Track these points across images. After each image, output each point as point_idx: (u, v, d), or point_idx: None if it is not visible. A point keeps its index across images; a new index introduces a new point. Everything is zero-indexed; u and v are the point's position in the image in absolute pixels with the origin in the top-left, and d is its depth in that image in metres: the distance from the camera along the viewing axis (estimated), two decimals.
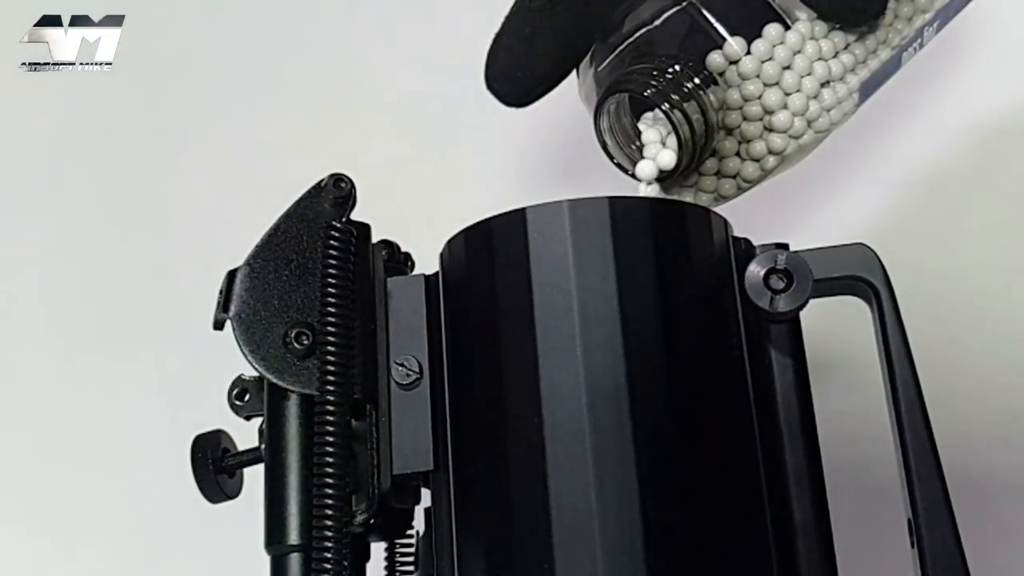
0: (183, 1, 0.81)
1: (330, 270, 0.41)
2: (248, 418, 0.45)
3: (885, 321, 0.43)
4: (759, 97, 0.49)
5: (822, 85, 0.50)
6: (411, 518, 0.45)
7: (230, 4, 0.80)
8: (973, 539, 0.41)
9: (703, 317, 0.41)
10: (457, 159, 0.72)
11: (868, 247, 0.43)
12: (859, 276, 0.43)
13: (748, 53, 0.49)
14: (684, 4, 0.50)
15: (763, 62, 0.49)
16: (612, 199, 0.41)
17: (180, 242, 0.74)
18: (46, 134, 0.78)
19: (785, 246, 0.43)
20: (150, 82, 0.78)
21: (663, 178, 0.49)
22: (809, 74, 0.50)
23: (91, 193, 0.77)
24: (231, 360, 0.42)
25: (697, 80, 0.48)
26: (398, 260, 0.46)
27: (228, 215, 0.73)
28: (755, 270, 0.42)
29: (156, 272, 0.74)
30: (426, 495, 0.44)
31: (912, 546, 0.41)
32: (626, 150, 0.51)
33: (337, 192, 0.43)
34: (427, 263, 0.45)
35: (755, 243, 0.44)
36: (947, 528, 0.40)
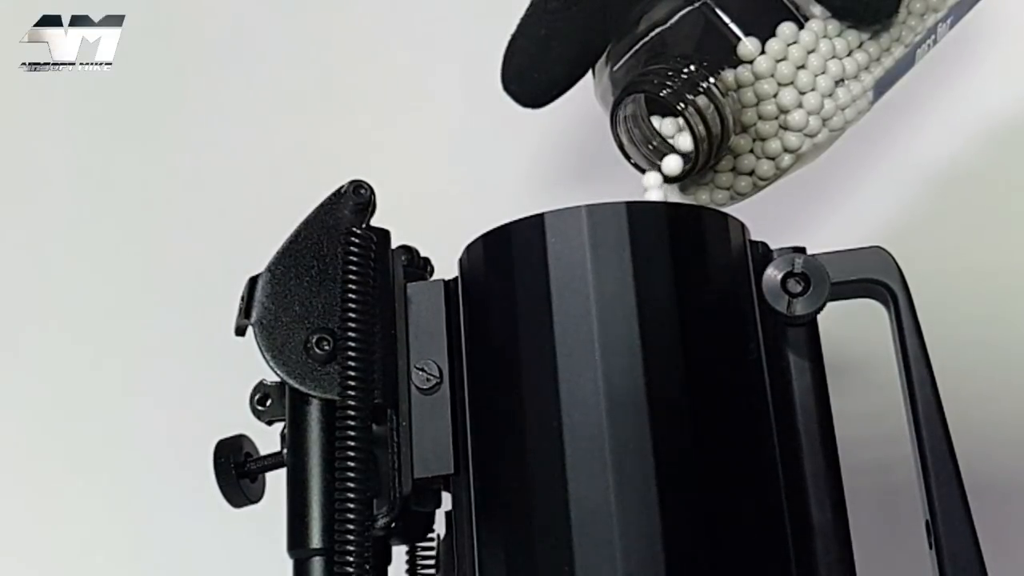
0: (183, 1, 0.81)
1: (350, 276, 0.42)
2: (270, 423, 0.45)
3: (902, 323, 0.43)
4: (774, 96, 0.49)
5: (837, 83, 0.50)
6: (432, 522, 0.45)
7: (233, 2, 0.80)
8: (991, 540, 0.41)
9: (721, 321, 0.41)
10: (475, 162, 0.72)
11: (884, 250, 0.43)
12: (876, 279, 0.43)
13: (762, 52, 0.49)
14: (698, 4, 0.50)
15: (778, 61, 0.49)
16: (630, 204, 0.41)
17: (181, 243, 0.74)
18: (46, 134, 0.78)
19: (802, 250, 0.43)
20: (150, 82, 0.78)
21: (680, 176, 0.49)
22: (823, 73, 0.50)
23: (91, 193, 0.77)
24: (253, 366, 0.43)
25: (712, 80, 0.48)
26: (417, 265, 0.46)
27: (232, 217, 0.73)
28: (772, 274, 0.42)
29: (160, 275, 0.74)
30: (446, 499, 0.44)
31: (930, 547, 0.41)
32: (643, 150, 0.51)
33: (357, 198, 0.43)
34: (446, 269, 0.45)
35: (772, 246, 0.44)
36: (965, 529, 0.41)
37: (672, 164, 0.49)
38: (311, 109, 0.76)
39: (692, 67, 0.48)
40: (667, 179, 0.49)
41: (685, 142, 0.48)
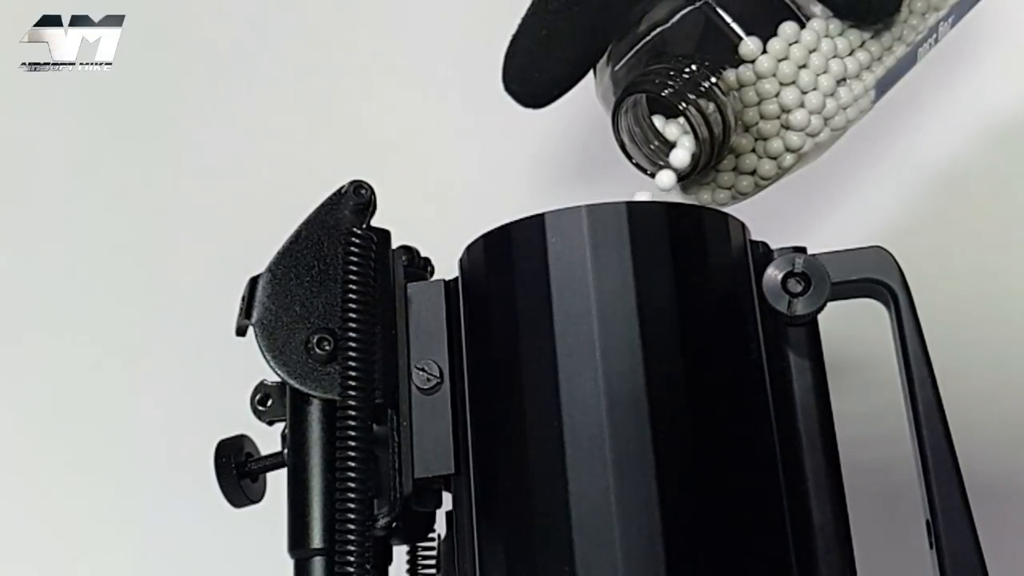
0: (183, 1, 0.81)
1: (351, 276, 0.42)
2: (271, 423, 0.45)
3: (902, 323, 0.43)
4: (776, 95, 0.49)
5: (838, 83, 0.50)
6: (433, 521, 0.45)
7: (233, 3, 0.80)
8: (991, 539, 0.41)
9: (721, 321, 0.41)
10: (475, 162, 0.72)
11: (885, 249, 0.43)
12: (876, 279, 0.43)
13: (764, 52, 0.49)
14: (699, 3, 0.50)
15: (779, 61, 0.49)
16: (630, 204, 0.41)
17: (182, 243, 0.74)
18: (46, 134, 0.78)
19: (803, 249, 0.43)
20: (150, 82, 0.78)
21: (682, 176, 0.49)
22: (825, 72, 0.50)
23: (91, 193, 0.77)
24: (253, 366, 0.43)
25: (714, 79, 0.48)
26: (418, 266, 0.46)
27: (232, 217, 0.73)
28: (773, 274, 0.42)
29: (161, 275, 0.74)
30: (447, 499, 0.44)
31: (930, 547, 0.41)
32: (644, 150, 0.51)
33: (357, 198, 0.43)
34: (446, 269, 0.45)
35: (772, 246, 0.44)
36: (965, 529, 0.41)
37: (665, 180, 0.49)
38: (311, 109, 0.76)
39: (693, 67, 0.48)
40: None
41: (684, 149, 0.48)
